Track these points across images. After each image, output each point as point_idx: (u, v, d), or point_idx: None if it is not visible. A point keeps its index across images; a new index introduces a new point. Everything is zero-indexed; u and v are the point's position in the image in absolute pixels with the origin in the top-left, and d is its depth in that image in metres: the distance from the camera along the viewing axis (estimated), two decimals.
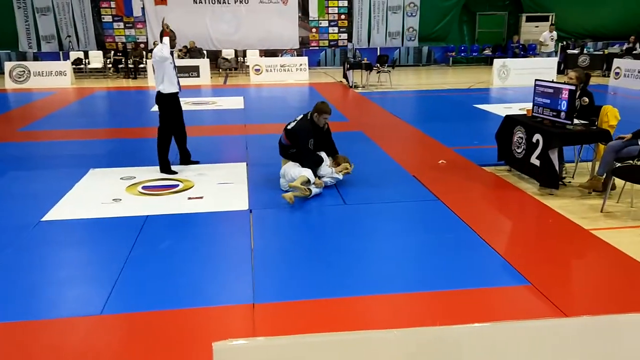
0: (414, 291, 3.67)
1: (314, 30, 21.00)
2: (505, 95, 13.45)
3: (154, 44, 17.89)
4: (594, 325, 1.97)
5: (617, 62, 15.19)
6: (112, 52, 18.62)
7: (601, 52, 18.06)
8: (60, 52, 19.15)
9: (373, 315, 3.40)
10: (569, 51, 18.05)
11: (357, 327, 3.20)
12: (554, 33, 17.53)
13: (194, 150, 7.14)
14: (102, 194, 5.74)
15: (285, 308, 3.46)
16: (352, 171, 6.09)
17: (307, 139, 5.73)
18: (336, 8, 20.87)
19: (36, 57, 18.77)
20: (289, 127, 5.93)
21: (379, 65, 15.66)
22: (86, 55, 18.50)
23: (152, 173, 6.50)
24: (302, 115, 5.97)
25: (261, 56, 18.99)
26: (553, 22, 21.17)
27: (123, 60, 17.96)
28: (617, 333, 1.95)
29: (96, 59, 18.56)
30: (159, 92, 6.41)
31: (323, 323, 3.27)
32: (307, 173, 5.60)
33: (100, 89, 15.24)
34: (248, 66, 17.60)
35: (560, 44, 19.15)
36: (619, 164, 5.29)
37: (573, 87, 5.57)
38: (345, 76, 15.68)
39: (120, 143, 8.35)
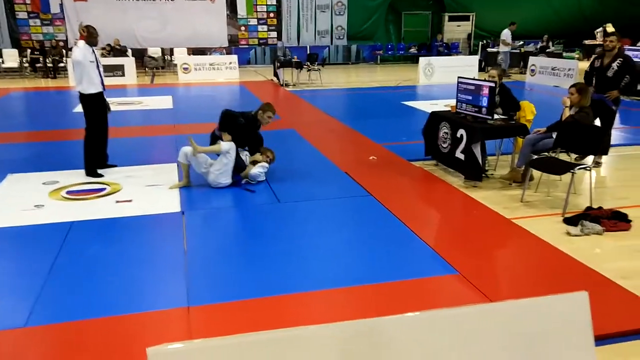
0: (348, 285, 3.74)
1: (243, 28, 20.81)
2: (431, 92, 13.91)
3: (75, 42, 17.13)
4: (517, 308, 2.08)
5: (532, 59, 16.07)
6: (29, 50, 17.62)
7: (518, 51, 19.02)
8: None
9: (309, 312, 3.44)
10: (489, 49, 18.88)
11: (293, 324, 3.22)
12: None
13: (121, 151, 6.91)
14: (23, 200, 5.44)
15: (221, 309, 3.44)
16: (285, 168, 6.17)
17: (239, 116, 5.99)
18: (265, 6, 20.78)
19: None
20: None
21: (309, 63, 15.76)
22: (0, 54, 17.41)
23: (76, 177, 6.23)
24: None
25: (189, 54, 18.60)
26: (473, 21, 22.11)
27: (41, 59, 17.05)
28: (539, 314, 2.07)
29: (11, 57, 17.49)
30: (80, 93, 6.18)
31: (260, 322, 3.27)
32: (224, 146, 5.72)
33: (16, 90, 14.38)
34: (176, 65, 17.19)
35: (480, 43, 20.02)
36: (536, 156, 5.61)
37: (493, 84, 5.85)
38: (275, 74, 15.66)
39: (41, 146, 7.94)
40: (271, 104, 6.20)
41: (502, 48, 17.07)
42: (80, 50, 6.13)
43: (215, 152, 5.77)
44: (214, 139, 6.05)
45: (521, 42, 18.22)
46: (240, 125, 5.93)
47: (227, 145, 5.73)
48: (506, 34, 16.89)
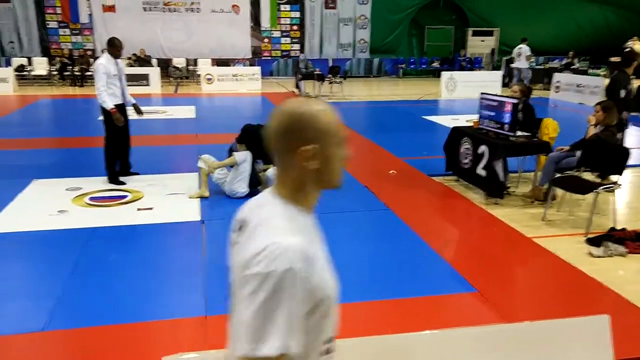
0: (366, 300, 3.72)
1: (266, 40, 21.01)
2: (453, 107, 13.84)
3: (102, 51, 17.47)
4: (537, 329, 2.05)
5: (557, 76, 15.90)
6: (58, 58, 18.02)
7: (542, 67, 18.85)
8: (2, 59, 18.40)
9: None
10: (512, 65, 18.72)
11: None
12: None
13: (144, 159, 7.00)
14: (47, 206, 5.54)
15: None
16: None
17: (260, 128, 6.01)
18: (288, 19, 20.97)
19: None
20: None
21: (330, 76, 15.83)
22: (30, 62, 17.85)
23: (99, 184, 6.33)
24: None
25: (213, 65, 18.83)
26: (497, 37, 22.00)
27: (69, 67, 17.43)
28: (559, 336, 2.04)
29: (40, 65, 17.92)
30: (101, 104, 6.27)
31: None
32: (238, 157, 5.82)
33: (44, 97, 14.71)
34: (199, 75, 17.42)
35: (504, 58, 19.88)
36: (559, 175, 5.54)
37: (516, 101, 5.81)
38: (297, 86, 15.75)
39: (65, 153, 8.09)
40: None
41: (522, 64, 16.90)
42: (100, 75, 6.13)
43: (231, 164, 5.83)
44: (231, 153, 6.11)
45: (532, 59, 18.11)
46: (261, 138, 6.02)
47: (242, 155, 5.79)
48: (526, 49, 16.66)
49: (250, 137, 6.00)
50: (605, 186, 5.22)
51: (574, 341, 2.05)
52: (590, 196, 5.20)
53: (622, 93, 6.59)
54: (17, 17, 18.55)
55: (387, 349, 1.90)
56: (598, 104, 5.71)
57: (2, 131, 9.79)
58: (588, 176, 5.61)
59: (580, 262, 4.32)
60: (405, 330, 3.26)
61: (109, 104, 6.18)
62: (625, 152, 5.09)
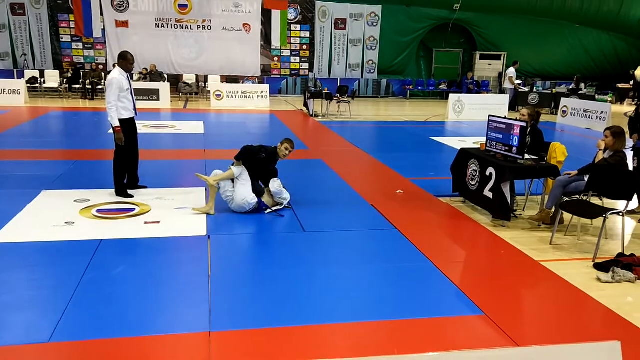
0: (370, 320, 3.70)
1: (275, 58, 21.21)
2: (460, 129, 13.88)
3: (113, 65, 17.70)
4: (546, 354, 2.03)
5: (564, 101, 15.95)
6: (69, 71, 18.22)
7: (549, 91, 18.93)
8: (15, 70, 18.66)
9: (330, 344, 3.41)
10: (520, 89, 18.85)
11: (314, 356, 3.20)
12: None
13: (152, 173, 7.03)
14: (55, 217, 5.57)
15: (242, 336, 3.43)
16: (311, 198, 6.21)
17: (260, 150, 6.05)
18: (298, 38, 21.20)
19: None
20: None
21: (339, 95, 15.93)
22: (42, 75, 18.08)
23: (107, 196, 6.36)
24: None
25: (222, 82, 19.01)
26: (505, 60, 22.15)
27: (80, 80, 17.64)
28: None
29: (52, 78, 18.14)
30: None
31: (281, 351, 3.25)
32: (235, 170, 5.86)
33: (55, 109, 14.87)
34: (209, 91, 17.58)
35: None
36: (566, 198, 5.52)
37: (524, 124, 5.82)
38: (305, 105, 15.86)
39: (75, 165, 8.15)
40: (291, 140, 6.22)
41: (508, 85, 18.51)
42: (111, 91, 6.16)
43: (229, 178, 5.85)
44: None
45: (519, 82, 19.06)
46: (261, 160, 6.00)
47: (237, 169, 5.86)
48: (512, 71, 18.33)
49: (252, 160, 5.99)
50: (613, 211, 5.20)
51: None
52: (598, 221, 5.18)
53: None
54: (31, 30, 18.84)
55: None
56: (608, 129, 5.71)
57: (13, 142, 9.88)
58: (596, 200, 5.59)
59: (588, 287, 4.29)
60: (409, 352, 3.25)
61: (115, 121, 6.20)
62: (634, 178, 5.08)
